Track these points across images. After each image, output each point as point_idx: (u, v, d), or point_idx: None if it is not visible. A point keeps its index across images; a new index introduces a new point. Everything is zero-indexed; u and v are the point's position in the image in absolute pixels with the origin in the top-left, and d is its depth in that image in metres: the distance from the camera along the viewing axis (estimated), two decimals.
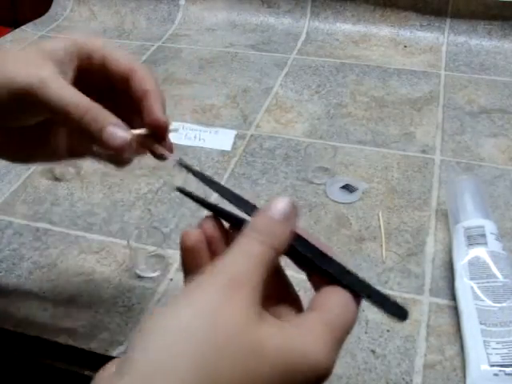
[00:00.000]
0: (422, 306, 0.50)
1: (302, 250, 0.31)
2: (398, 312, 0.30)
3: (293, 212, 0.31)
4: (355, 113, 0.78)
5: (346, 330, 0.29)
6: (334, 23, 1.00)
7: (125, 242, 0.57)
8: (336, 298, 0.30)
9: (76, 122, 0.37)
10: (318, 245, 0.32)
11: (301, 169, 0.67)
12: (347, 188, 0.64)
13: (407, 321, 0.48)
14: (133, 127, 0.38)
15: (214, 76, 0.88)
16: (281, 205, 0.30)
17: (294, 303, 0.33)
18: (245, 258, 0.28)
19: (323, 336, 0.28)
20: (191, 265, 0.32)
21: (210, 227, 0.33)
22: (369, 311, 0.50)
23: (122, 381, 0.24)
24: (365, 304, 0.53)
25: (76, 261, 0.56)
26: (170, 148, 0.40)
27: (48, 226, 0.61)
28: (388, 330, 0.48)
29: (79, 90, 0.38)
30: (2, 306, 0.51)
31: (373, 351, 0.47)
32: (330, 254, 0.32)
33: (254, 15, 1.04)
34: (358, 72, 0.88)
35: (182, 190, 0.35)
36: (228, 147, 0.72)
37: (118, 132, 0.37)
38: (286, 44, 0.97)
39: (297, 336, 0.28)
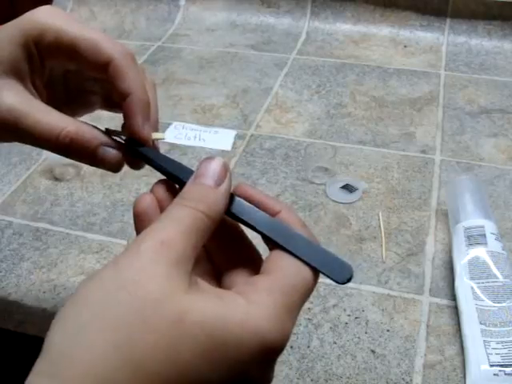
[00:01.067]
0: (422, 305, 0.50)
1: (239, 215, 0.30)
2: (342, 273, 0.29)
3: (224, 174, 0.30)
4: (355, 113, 0.78)
5: (300, 296, 0.28)
6: (333, 23, 1.00)
7: (125, 242, 0.57)
8: (286, 261, 0.29)
9: (62, 151, 0.34)
10: (263, 204, 0.31)
11: (301, 169, 0.67)
12: (347, 188, 0.64)
13: (407, 321, 0.48)
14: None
15: (214, 76, 0.88)
16: (211, 169, 0.30)
17: (254, 267, 0.31)
18: (173, 224, 0.27)
19: (269, 303, 0.26)
20: (142, 230, 0.29)
21: (161, 191, 0.32)
22: (368, 311, 0.50)
23: (37, 365, 0.23)
24: (365, 304, 0.53)
25: (76, 261, 0.56)
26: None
27: (48, 226, 0.61)
28: (388, 330, 0.48)
29: (50, 84, 0.36)
30: (2, 306, 0.51)
31: (373, 351, 0.47)
32: (278, 209, 0.31)
33: (254, 15, 1.04)
34: (358, 72, 0.88)
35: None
36: (228, 147, 0.72)
37: (110, 153, 0.35)
38: (286, 44, 0.97)
39: (234, 305, 0.26)
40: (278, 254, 0.29)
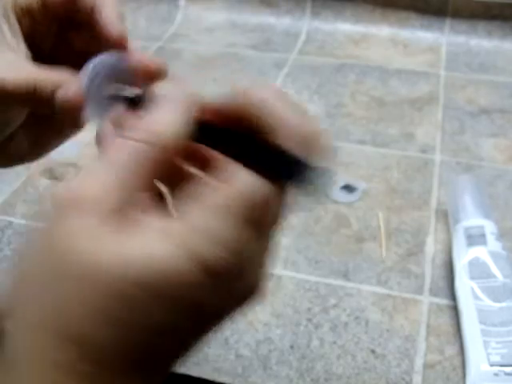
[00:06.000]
0: (422, 305, 0.50)
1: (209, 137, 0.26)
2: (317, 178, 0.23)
3: (185, 108, 0.25)
4: (355, 113, 0.78)
5: (239, 201, 0.22)
6: (333, 23, 1.00)
7: None
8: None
9: (26, 100, 0.31)
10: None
11: None
12: (347, 188, 0.64)
13: (407, 321, 0.48)
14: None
15: (213, 76, 0.88)
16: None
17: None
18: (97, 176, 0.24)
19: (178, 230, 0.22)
20: None
21: None
22: (368, 311, 0.50)
23: None
24: (365, 304, 0.53)
25: None
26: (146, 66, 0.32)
27: None
28: (388, 330, 0.48)
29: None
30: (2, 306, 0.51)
31: (373, 351, 0.47)
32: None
33: (254, 15, 1.04)
34: (357, 72, 0.88)
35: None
36: None
37: (69, 90, 0.30)
38: (285, 44, 0.97)
39: (142, 241, 0.22)
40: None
